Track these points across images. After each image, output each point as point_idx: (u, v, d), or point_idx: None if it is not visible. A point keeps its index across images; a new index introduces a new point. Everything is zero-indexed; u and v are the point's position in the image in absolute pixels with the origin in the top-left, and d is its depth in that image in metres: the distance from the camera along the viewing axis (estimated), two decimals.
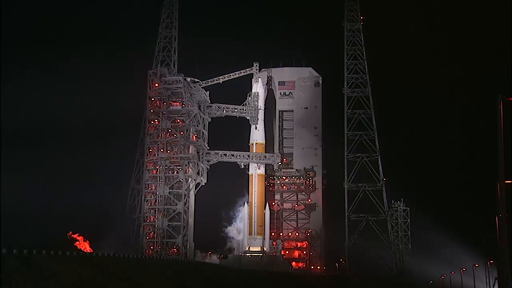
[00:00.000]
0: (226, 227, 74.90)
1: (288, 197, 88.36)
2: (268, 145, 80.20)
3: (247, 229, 72.43)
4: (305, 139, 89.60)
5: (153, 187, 68.80)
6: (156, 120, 69.68)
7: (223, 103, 73.63)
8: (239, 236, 73.83)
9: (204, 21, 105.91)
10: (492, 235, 45.15)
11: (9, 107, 72.09)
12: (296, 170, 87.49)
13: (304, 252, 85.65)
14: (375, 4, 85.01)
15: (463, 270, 76.36)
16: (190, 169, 68.27)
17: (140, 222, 69.02)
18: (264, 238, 72.38)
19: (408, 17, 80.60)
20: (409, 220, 79.17)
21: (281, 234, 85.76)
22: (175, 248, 67.03)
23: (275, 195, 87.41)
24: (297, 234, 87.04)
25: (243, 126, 76.63)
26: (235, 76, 74.06)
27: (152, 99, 69.99)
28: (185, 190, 68.11)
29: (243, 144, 76.14)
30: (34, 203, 72.70)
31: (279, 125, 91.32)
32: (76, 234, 59.07)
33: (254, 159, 73.68)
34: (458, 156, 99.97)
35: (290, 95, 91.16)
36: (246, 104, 74.14)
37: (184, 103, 69.43)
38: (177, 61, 74.93)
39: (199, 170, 69.98)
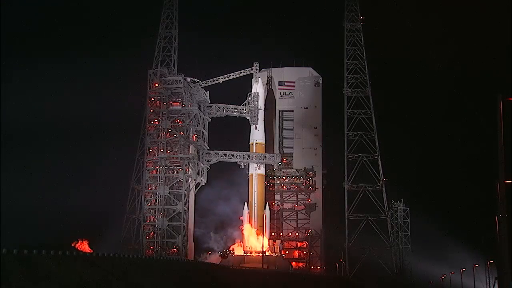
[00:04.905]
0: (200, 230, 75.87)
1: (288, 197, 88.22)
2: (268, 145, 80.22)
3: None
4: (305, 139, 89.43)
5: (153, 187, 68.84)
6: (156, 120, 69.70)
7: (223, 103, 73.69)
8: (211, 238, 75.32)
9: (204, 21, 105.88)
10: (492, 235, 45.14)
11: (8, 107, 72.21)
12: (296, 170, 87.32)
13: (304, 252, 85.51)
14: (375, 4, 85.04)
15: (463, 270, 76.36)
16: (190, 169, 68.28)
17: (140, 222, 69.03)
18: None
19: (408, 17, 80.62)
20: (409, 220, 79.21)
21: (281, 234, 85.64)
22: (175, 248, 67.02)
23: (275, 195, 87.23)
24: (297, 234, 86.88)
25: (243, 126, 76.80)
26: (235, 76, 74.14)
27: (152, 99, 70.04)
28: (185, 190, 68.12)
29: (243, 144, 76.23)
30: (34, 203, 72.85)
31: (279, 125, 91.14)
32: (78, 242, 59.14)
33: (254, 159, 73.73)
34: (458, 156, 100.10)
35: (290, 95, 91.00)
36: (246, 104, 74.24)
37: (184, 103, 69.47)
38: (177, 61, 74.89)
39: (199, 170, 69.99)
